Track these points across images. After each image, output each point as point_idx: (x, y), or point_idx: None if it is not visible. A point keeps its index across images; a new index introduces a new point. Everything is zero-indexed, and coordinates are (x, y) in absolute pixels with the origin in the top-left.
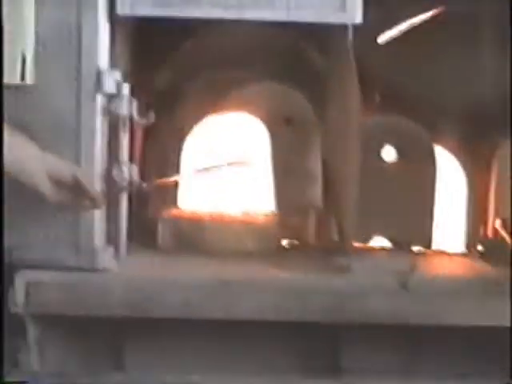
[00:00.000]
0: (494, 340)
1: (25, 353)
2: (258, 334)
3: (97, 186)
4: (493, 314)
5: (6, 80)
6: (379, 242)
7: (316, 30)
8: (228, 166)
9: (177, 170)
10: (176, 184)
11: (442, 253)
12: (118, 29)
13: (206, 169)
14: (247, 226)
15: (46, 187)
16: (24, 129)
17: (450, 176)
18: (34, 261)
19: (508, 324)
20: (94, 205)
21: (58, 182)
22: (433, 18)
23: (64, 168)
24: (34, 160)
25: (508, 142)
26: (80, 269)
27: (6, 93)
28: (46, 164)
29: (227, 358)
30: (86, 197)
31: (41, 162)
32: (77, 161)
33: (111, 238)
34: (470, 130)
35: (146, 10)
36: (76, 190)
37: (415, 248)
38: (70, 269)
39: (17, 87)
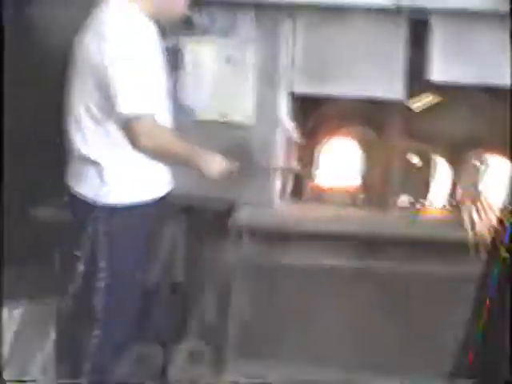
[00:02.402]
0: None
1: (241, 245)
2: None
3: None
4: None
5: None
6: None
7: None
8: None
9: (313, 167)
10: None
11: None
12: (292, 98)
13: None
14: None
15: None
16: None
17: None
18: (247, 203)
19: None
20: (235, 175)
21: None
22: None
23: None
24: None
25: None
26: (268, 207)
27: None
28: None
29: None
30: (233, 173)
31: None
32: (269, 160)
33: (283, 194)
34: None
35: (307, 90)
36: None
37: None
38: (263, 207)
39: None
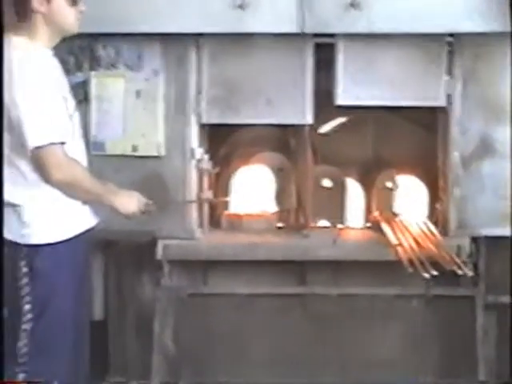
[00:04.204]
0: None
1: (162, 277)
2: None
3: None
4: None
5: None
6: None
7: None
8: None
9: (227, 195)
10: (228, 201)
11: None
12: (203, 127)
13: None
14: (265, 219)
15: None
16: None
17: None
18: (166, 236)
19: None
20: (151, 212)
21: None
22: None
23: (142, 201)
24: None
25: None
26: (187, 239)
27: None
28: (137, 201)
29: None
30: (148, 210)
31: (135, 201)
32: (183, 191)
33: (201, 223)
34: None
35: (217, 119)
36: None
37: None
38: (182, 239)
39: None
